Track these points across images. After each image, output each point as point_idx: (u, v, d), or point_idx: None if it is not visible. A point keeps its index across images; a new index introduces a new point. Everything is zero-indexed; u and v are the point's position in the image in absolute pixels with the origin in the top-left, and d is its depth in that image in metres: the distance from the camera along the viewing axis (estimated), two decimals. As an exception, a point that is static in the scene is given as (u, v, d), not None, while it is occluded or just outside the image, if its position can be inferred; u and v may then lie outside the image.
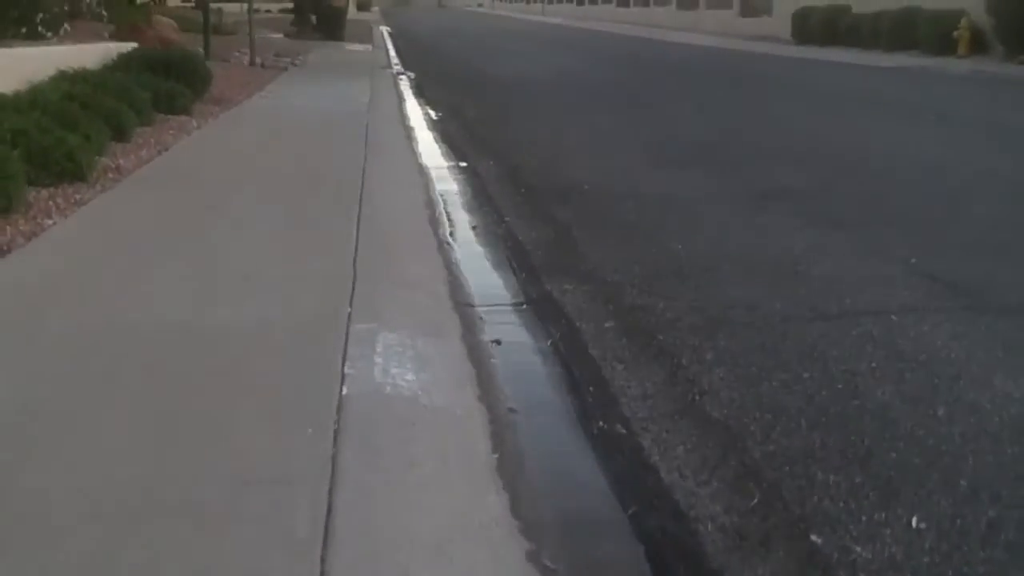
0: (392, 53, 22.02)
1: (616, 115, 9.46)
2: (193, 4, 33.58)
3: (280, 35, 25.46)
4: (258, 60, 14.20)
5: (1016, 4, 17.44)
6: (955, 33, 19.25)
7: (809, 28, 25.39)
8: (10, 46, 6.88)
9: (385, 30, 35.38)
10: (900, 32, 21.22)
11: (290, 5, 34.95)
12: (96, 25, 12.26)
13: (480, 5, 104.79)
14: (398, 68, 16.81)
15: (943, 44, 19.62)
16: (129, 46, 8.82)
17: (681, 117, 9.44)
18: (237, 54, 15.58)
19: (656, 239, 4.42)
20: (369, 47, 22.87)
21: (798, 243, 4.33)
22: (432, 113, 9.56)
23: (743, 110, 10.14)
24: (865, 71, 17.13)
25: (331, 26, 24.49)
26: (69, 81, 6.15)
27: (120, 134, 5.81)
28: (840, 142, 7.61)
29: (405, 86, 12.86)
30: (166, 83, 7.37)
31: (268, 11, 45.80)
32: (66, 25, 8.51)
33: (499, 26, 41.04)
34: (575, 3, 59.81)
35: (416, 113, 9.54)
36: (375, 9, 63.95)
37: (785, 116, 9.54)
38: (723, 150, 7.13)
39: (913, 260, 4.04)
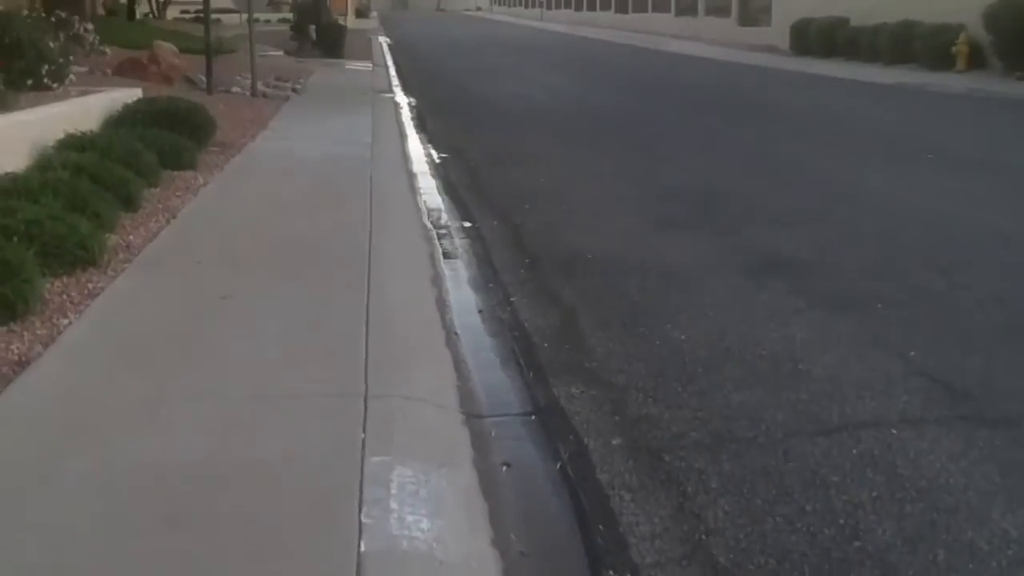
0: (392, 71, 22.11)
1: (617, 157, 9.55)
2: (192, 16, 33.50)
3: (280, 52, 25.55)
4: (260, 88, 14.28)
5: (1013, 22, 17.55)
6: (953, 49, 19.38)
7: (807, 39, 25.48)
8: (16, 106, 6.94)
9: (384, 43, 35.42)
10: (899, 46, 21.32)
11: (289, 15, 35.13)
12: (99, 59, 12.33)
13: (479, 9, 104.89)
14: (398, 92, 16.91)
15: (941, 59, 19.75)
16: (134, 94, 8.89)
17: (683, 159, 9.51)
18: (239, 79, 15.65)
19: (659, 327, 4.49)
20: (369, 65, 22.94)
21: (799, 331, 4.41)
22: (434, 154, 9.63)
23: (744, 149, 10.21)
24: (864, 91, 17.24)
25: (331, 43, 24.57)
26: (77, 149, 6.22)
27: (129, 203, 5.89)
28: (841, 192, 7.69)
29: (406, 116, 12.94)
30: (171, 137, 7.43)
31: (268, 20, 45.90)
32: (71, 75, 8.56)
33: (498, 35, 41.07)
34: (574, 8, 59.85)
35: (418, 153, 9.61)
36: (374, 15, 64.00)
37: (788, 157, 9.60)
38: (724, 205, 7.21)
39: (912, 353, 4.13)
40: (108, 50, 12.31)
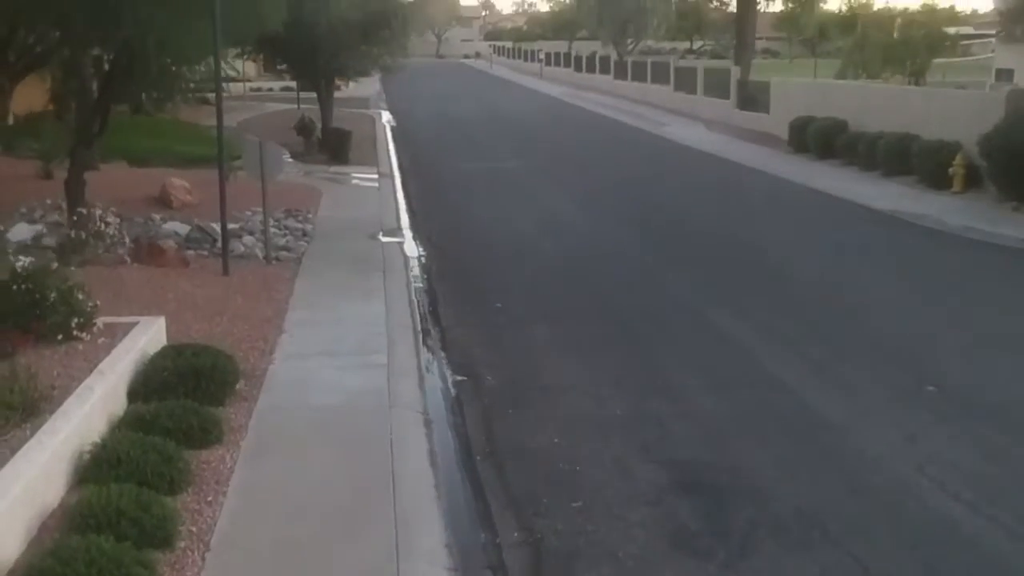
0: (398, 183, 22.47)
1: (624, 351, 9.87)
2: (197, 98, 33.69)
3: (286, 152, 25.91)
4: (273, 243, 14.57)
5: (1005, 152, 17.93)
6: (950, 170, 19.72)
7: (805, 138, 25.92)
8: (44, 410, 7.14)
9: (387, 126, 35.70)
10: (897, 158, 21.71)
11: (291, 83, 35.43)
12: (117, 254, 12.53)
13: (478, 55, 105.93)
14: (406, 231, 17.21)
15: (938, 176, 20.10)
16: (158, 337, 9.17)
17: (696, 355, 9.82)
18: (249, 219, 15.90)
19: None
20: (375, 174, 23.26)
21: None
22: (449, 380, 9.83)
23: (754, 331, 10.51)
24: (861, 222, 17.59)
25: (337, 147, 24.96)
26: (110, 489, 6.26)
27: (164, 540, 6.11)
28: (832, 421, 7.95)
29: (418, 285, 13.28)
30: (199, 414, 7.68)
31: (270, 89, 46.39)
32: (98, 322, 8.84)
33: (499, 109, 41.16)
34: (573, 68, 60.48)
35: (434, 383, 9.73)
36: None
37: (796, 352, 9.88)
38: (736, 450, 7.47)
39: None
40: (127, 238, 12.57)
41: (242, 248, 14.78)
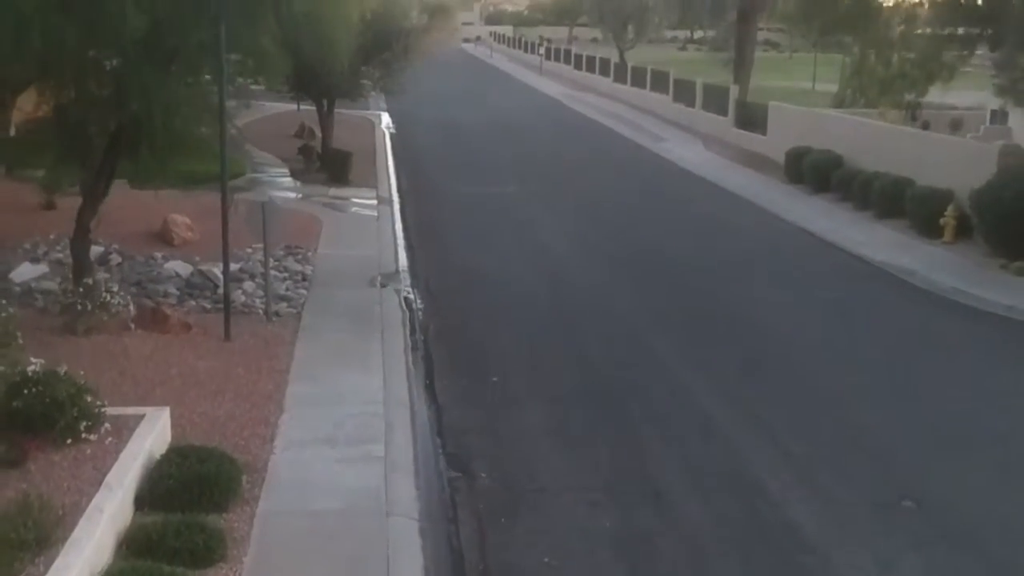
0: (396, 212, 22.69)
1: (615, 443, 10.20)
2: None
3: (286, 170, 26.14)
4: (273, 292, 14.81)
5: (995, 209, 18.23)
6: (942, 220, 20.01)
7: (801, 170, 26.20)
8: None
9: (387, 131, 35.80)
10: (890, 200, 22.00)
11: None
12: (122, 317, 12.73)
13: (478, 38, 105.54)
14: (405, 273, 17.49)
15: (930, 224, 20.40)
16: (163, 436, 9.45)
17: (685, 449, 10.13)
18: (250, 258, 16.09)
19: None
20: (374, 200, 23.45)
21: None
22: (448, 468, 10.15)
23: (743, 421, 10.84)
24: (852, 271, 17.92)
25: (337, 168, 25.15)
26: None
27: None
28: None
29: (417, 346, 13.60)
30: (202, 532, 7.97)
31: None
32: (107, 424, 9.11)
33: (499, 113, 41.12)
34: (573, 65, 60.47)
35: (431, 477, 10.05)
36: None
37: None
38: None
39: None
40: (131, 303, 12.80)
41: (243, 297, 15.02)
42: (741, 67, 35.40)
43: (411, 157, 30.93)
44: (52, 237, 17.27)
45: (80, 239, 13.18)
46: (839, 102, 29.50)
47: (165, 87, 12.21)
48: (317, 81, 23.53)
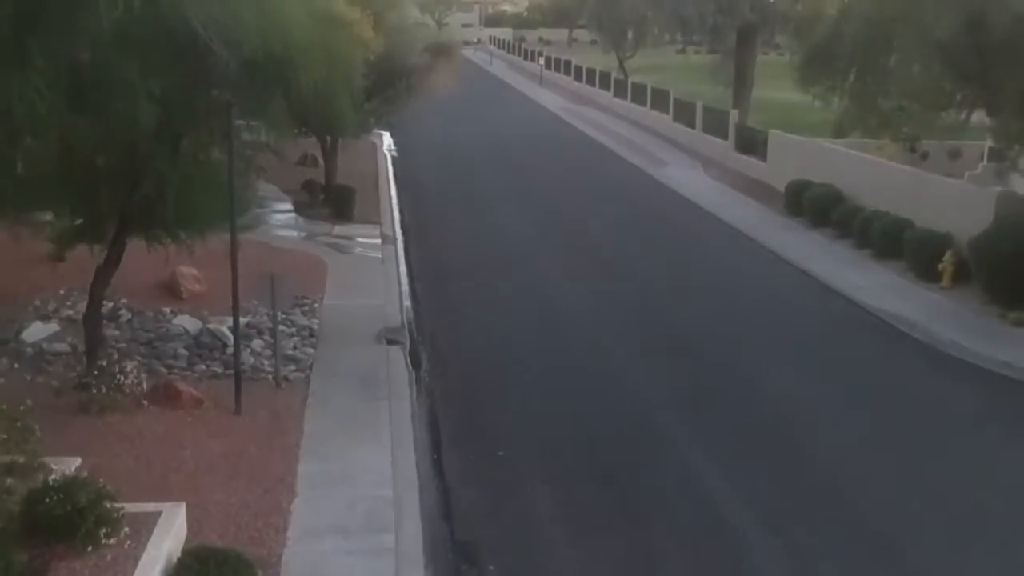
0: (401, 254, 22.91)
1: (618, 528, 10.43)
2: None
3: (289, 204, 26.36)
4: (283, 355, 15.03)
5: (993, 260, 18.45)
6: (940, 266, 20.22)
7: (801, 204, 26.42)
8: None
9: (388, 154, 35.92)
10: (889, 241, 22.21)
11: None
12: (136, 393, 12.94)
13: (479, 42, 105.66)
14: (412, 326, 17.73)
15: (929, 268, 20.61)
16: (179, 538, 9.69)
17: (689, 538, 10.37)
18: (256, 312, 16.26)
19: None
20: (378, 239, 23.67)
21: None
22: (456, 558, 10.39)
23: (745, 506, 11.06)
24: (852, 320, 18.13)
25: (341, 203, 25.38)
26: None
27: None
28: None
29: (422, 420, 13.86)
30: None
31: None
32: (126, 528, 9.35)
33: (498, 134, 41.14)
34: (573, 76, 60.58)
35: (440, 563, 10.30)
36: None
37: None
38: None
39: None
40: (143, 380, 13.03)
41: (251, 359, 15.26)
42: (741, 90, 35.58)
43: (413, 184, 31.20)
44: (62, 292, 17.49)
45: (93, 313, 13.42)
46: (838, 130, 29.65)
47: (176, 168, 12.47)
48: (321, 121, 23.71)
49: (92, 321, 13.30)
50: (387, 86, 24.49)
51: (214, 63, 10.84)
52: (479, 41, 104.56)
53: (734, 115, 34.07)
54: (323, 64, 12.69)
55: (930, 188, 22.30)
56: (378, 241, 23.61)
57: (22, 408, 10.62)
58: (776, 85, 39.86)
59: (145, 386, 12.85)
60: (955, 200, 21.16)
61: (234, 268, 12.93)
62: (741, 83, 35.51)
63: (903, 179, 23.28)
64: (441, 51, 24.16)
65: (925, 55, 14.58)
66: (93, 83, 10.66)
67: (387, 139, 39.24)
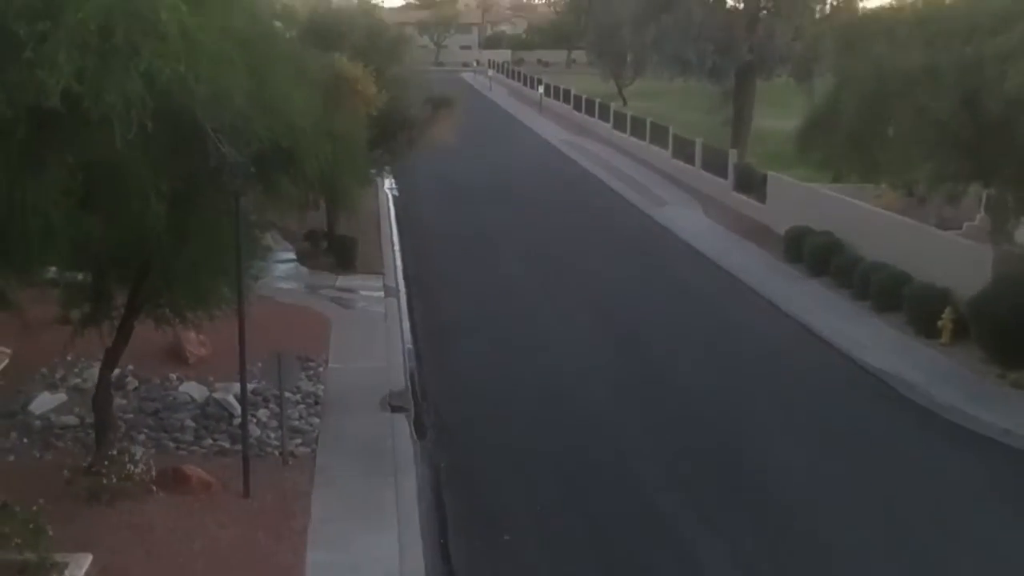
0: (404, 309, 23.03)
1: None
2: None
3: (292, 252, 26.50)
4: (290, 428, 15.17)
5: (991, 321, 18.58)
6: (939, 323, 20.34)
7: (800, 251, 26.57)
8: None
9: (389, 193, 36.04)
10: (889, 294, 22.33)
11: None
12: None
13: (478, 63, 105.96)
14: (417, 384, 17.86)
15: (928, 323, 20.72)
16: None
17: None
18: (260, 371, 16.32)
19: None
20: (381, 292, 23.82)
21: None
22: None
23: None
24: (851, 382, 18.36)
25: (344, 255, 25.54)
26: None
27: None
28: None
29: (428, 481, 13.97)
30: None
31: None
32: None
33: (497, 172, 41.14)
34: (572, 105, 60.82)
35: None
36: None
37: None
38: None
39: None
40: (152, 467, 13.14)
41: (257, 431, 15.37)
42: (740, 129, 35.80)
43: (414, 225, 31.42)
44: (69, 358, 17.57)
45: (102, 396, 13.54)
46: (837, 174, 29.85)
47: (185, 258, 12.61)
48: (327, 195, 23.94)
49: (101, 404, 13.43)
50: (389, 138, 24.66)
51: (223, 161, 11.00)
52: (478, 63, 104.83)
53: (733, 155, 34.29)
54: (329, 147, 12.90)
55: (929, 242, 22.45)
56: (381, 294, 23.78)
57: (35, 509, 10.80)
58: (772, 111, 40.19)
59: (154, 472, 12.95)
60: (954, 256, 21.30)
61: (242, 366, 13.09)
62: (740, 122, 35.72)
63: (902, 231, 23.44)
64: (442, 104, 24.31)
65: (923, 132, 14.77)
66: (105, 183, 10.82)
67: (388, 178, 39.37)
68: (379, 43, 23.57)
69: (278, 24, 13.94)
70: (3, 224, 10.05)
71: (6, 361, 9.89)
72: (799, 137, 18.90)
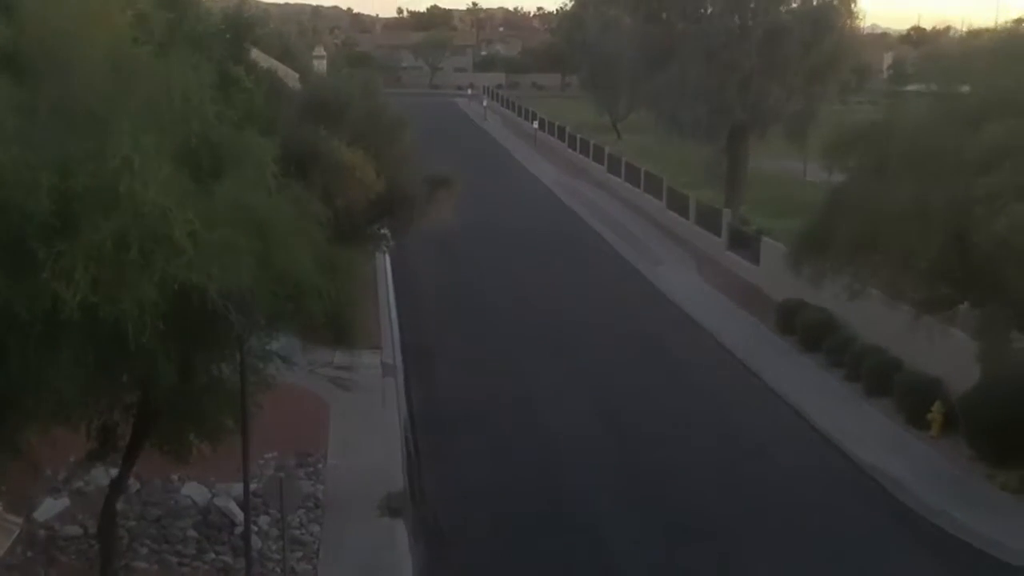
0: (402, 391, 23.25)
1: None
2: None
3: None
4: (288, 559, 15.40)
5: (980, 420, 18.88)
6: (929, 416, 20.67)
7: (793, 324, 26.86)
8: None
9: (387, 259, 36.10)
10: (879, 379, 22.63)
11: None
12: None
13: (471, 87, 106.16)
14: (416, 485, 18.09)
15: (918, 414, 21.04)
16: None
17: None
18: (267, 463, 16.51)
19: None
20: (379, 371, 24.06)
21: None
22: None
23: None
24: (840, 480, 18.68)
25: (341, 331, 25.71)
26: None
27: None
28: None
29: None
30: None
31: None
32: None
33: (497, 217, 41.41)
34: (567, 143, 61.12)
35: None
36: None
37: None
38: None
39: None
40: None
41: (259, 543, 15.61)
42: (734, 187, 36.14)
43: (412, 285, 31.73)
44: (72, 460, 17.75)
45: (107, 525, 13.78)
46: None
47: (189, 396, 12.88)
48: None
49: (106, 533, 13.67)
50: (385, 213, 24.95)
51: (230, 324, 11.27)
52: (471, 86, 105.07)
53: (727, 214, 34.62)
54: (333, 284, 13.19)
55: (921, 331, 22.71)
56: (379, 372, 24.02)
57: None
58: (766, 153, 40.44)
59: None
60: (946, 347, 21.56)
61: (246, 495, 13.33)
62: (734, 179, 36.07)
63: (896, 318, 23.70)
64: (440, 184, 24.61)
65: (912, 263, 15.10)
66: (116, 349, 11.08)
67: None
68: (378, 125, 23.83)
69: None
70: (17, 396, 10.33)
71: (16, 532, 10.11)
72: (793, 252, 19.20)
